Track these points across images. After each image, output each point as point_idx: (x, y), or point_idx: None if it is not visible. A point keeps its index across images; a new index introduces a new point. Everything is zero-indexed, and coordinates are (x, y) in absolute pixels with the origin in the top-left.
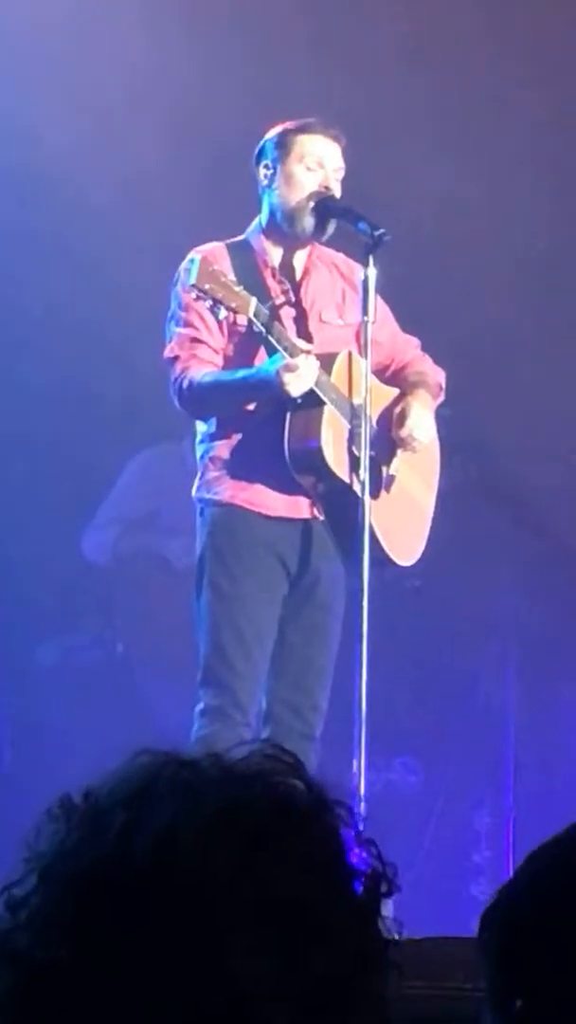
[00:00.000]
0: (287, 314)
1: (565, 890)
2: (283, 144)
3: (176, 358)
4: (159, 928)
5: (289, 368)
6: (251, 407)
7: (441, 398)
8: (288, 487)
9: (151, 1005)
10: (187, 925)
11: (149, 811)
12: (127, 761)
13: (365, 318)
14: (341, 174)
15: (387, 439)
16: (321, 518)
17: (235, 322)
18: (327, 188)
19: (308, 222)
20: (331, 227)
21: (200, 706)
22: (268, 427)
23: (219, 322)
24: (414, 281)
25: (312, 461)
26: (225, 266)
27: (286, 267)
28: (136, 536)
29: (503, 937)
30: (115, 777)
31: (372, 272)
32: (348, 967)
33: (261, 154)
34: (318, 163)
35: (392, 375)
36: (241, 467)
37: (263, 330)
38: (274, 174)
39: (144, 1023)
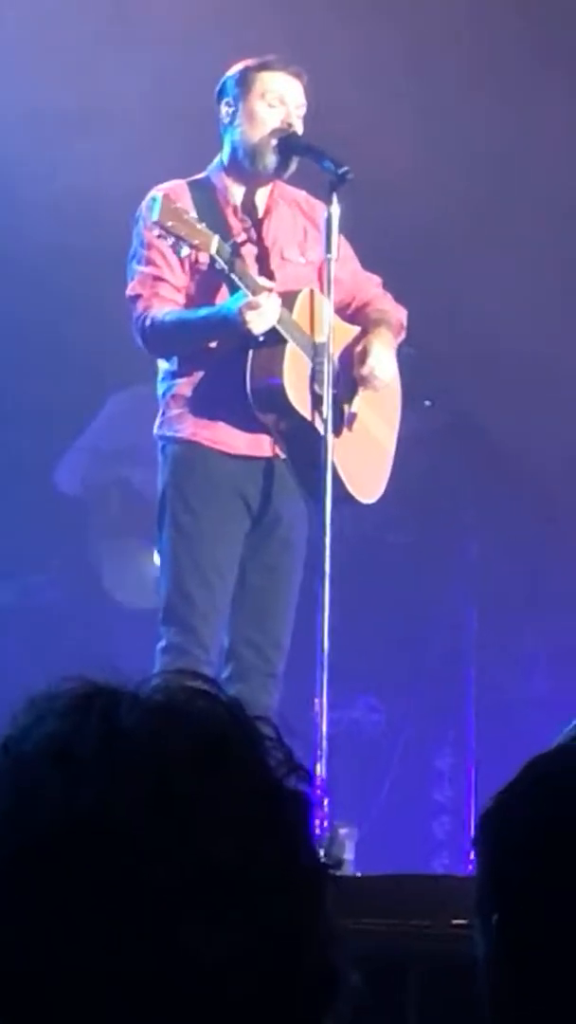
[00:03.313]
0: (249, 252)
1: (553, 804)
2: (244, 81)
3: (138, 296)
4: (105, 908)
5: (251, 306)
6: (213, 345)
7: (402, 336)
8: (250, 425)
9: (104, 990)
10: (136, 903)
11: (78, 784)
12: (44, 702)
13: (328, 256)
14: (303, 111)
15: (349, 377)
16: (283, 456)
17: (197, 260)
18: (289, 125)
19: (270, 159)
20: (293, 164)
21: (162, 644)
22: (230, 365)
23: (181, 260)
24: (377, 219)
25: (274, 399)
26: (187, 204)
27: (248, 205)
28: (109, 469)
29: (490, 846)
30: (36, 726)
31: (335, 210)
32: (296, 915)
33: (222, 91)
34: (279, 100)
35: (353, 313)
36: (203, 405)
37: (225, 268)
38: (235, 111)
39: (99, 1004)
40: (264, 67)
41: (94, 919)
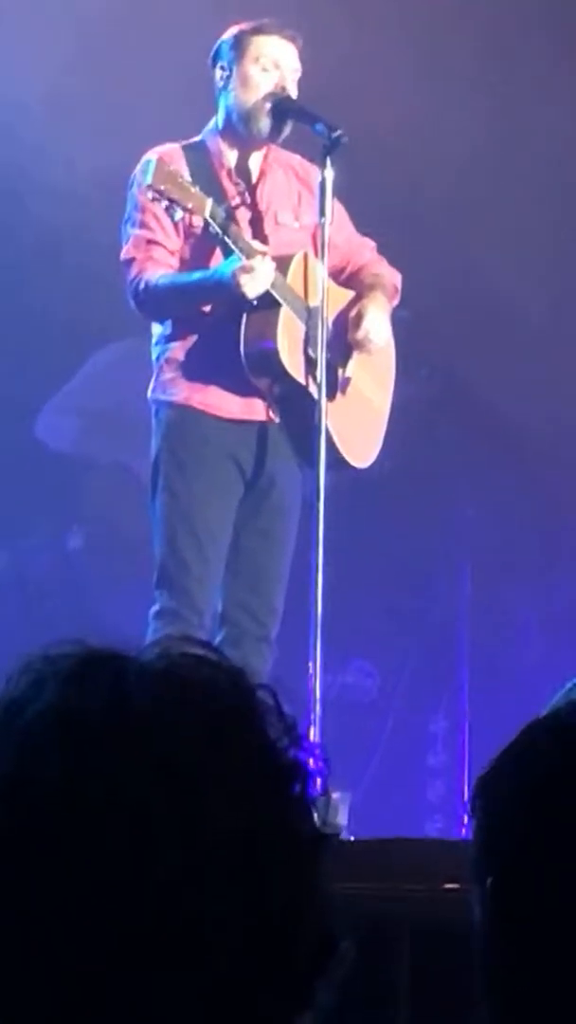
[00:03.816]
0: (243, 216)
1: (547, 769)
2: (238, 45)
3: (132, 260)
4: (96, 880)
5: (245, 269)
6: (207, 309)
7: (396, 300)
8: (244, 389)
9: (98, 965)
10: (139, 867)
11: (86, 760)
12: (43, 666)
13: (322, 220)
14: (298, 75)
15: (343, 341)
16: (277, 420)
17: (191, 224)
18: (283, 89)
19: (264, 123)
20: (287, 128)
21: (155, 608)
22: (224, 329)
23: (175, 224)
24: (372, 183)
25: (268, 363)
26: (181, 167)
27: (242, 169)
28: (98, 431)
29: (485, 811)
30: (37, 691)
31: (329, 174)
32: (296, 883)
33: (217, 55)
34: (274, 63)
35: (348, 277)
36: (197, 369)
37: (219, 231)
38: (230, 75)
39: (99, 976)
40: (258, 31)
41: (96, 883)
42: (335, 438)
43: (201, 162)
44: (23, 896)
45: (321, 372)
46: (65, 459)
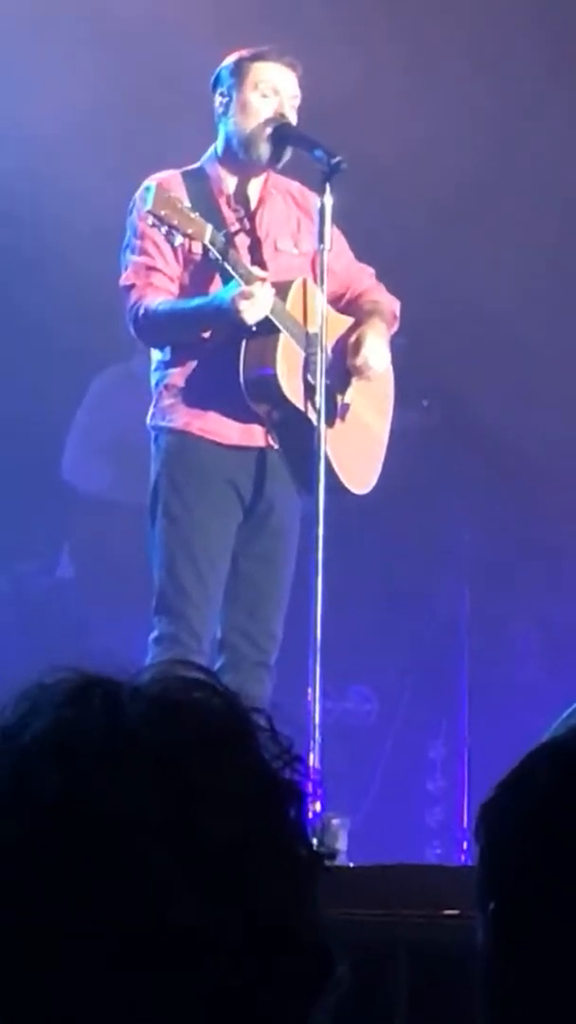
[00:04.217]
0: (242, 242)
1: (545, 796)
2: (238, 72)
3: (132, 286)
4: (96, 888)
5: (244, 295)
6: (206, 335)
7: (395, 327)
8: (243, 415)
9: (97, 970)
10: (128, 885)
11: (84, 777)
12: (39, 693)
13: (321, 246)
14: (297, 101)
15: (342, 368)
16: (276, 446)
17: (191, 250)
18: (282, 115)
19: (264, 149)
20: (287, 154)
21: (155, 634)
22: (223, 355)
23: (175, 250)
24: (372, 209)
25: (267, 389)
26: (180, 193)
27: (241, 195)
28: (105, 466)
29: (488, 834)
30: (33, 717)
31: (328, 200)
32: (289, 902)
33: (217, 82)
34: (273, 90)
35: (347, 304)
36: (196, 395)
37: (219, 257)
38: (229, 102)
39: (98, 979)
40: (258, 57)
41: (95, 891)
42: (334, 464)
43: (200, 188)
44: (23, 905)
45: (320, 398)
46: (65, 484)
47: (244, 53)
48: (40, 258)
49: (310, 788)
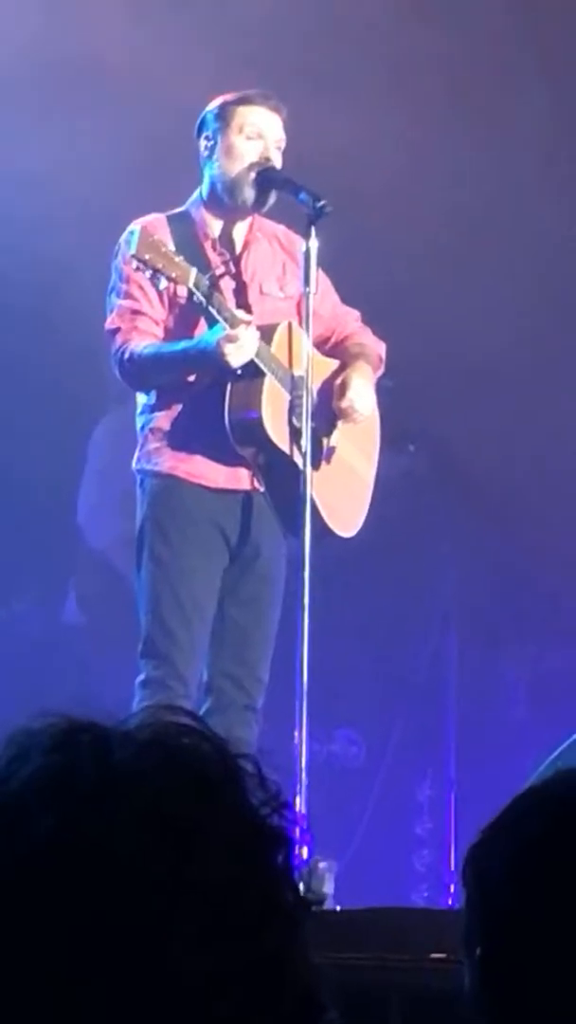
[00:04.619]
0: (227, 285)
1: (532, 841)
2: (223, 115)
3: (117, 330)
4: (94, 933)
5: (230, 339)
6: (191, 378)
7: (381, 370)
8: (229, 459)
9: (93, 1016)
10: (126, 930)
11: (76, 820)
12: (25, 739)
13: (307, 289)
14: (282, 145)
15: (327, 411)
16: (262, 490)
17: (176, 294)
18: (267, 159)
19: (249, 193)
20: (272, 198)
21: (141, 677)
22: (208, 398)
23: (159, 293)
24: (356, 253)
25: (252, 432)
26: (165, 237)
27: (226, 239)
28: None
29: (475, 880)
30: (21, 763)
31: (314, 244)
32: (279, 941)
33: (202, 126)
34: (258, 134)
35: (332, 347)
36: (181, 438)
37: (203, 300)
38: (214, 145)
39: (87, 1019)
40: (243, 101)
41: (86, 932)
42: (320, 507)
43: (185, 232)
44: (18, 952)
45: (306, 441)
46: (56, 525)
47: (229, 97)
48: (41, 305)
49: (297, 834)
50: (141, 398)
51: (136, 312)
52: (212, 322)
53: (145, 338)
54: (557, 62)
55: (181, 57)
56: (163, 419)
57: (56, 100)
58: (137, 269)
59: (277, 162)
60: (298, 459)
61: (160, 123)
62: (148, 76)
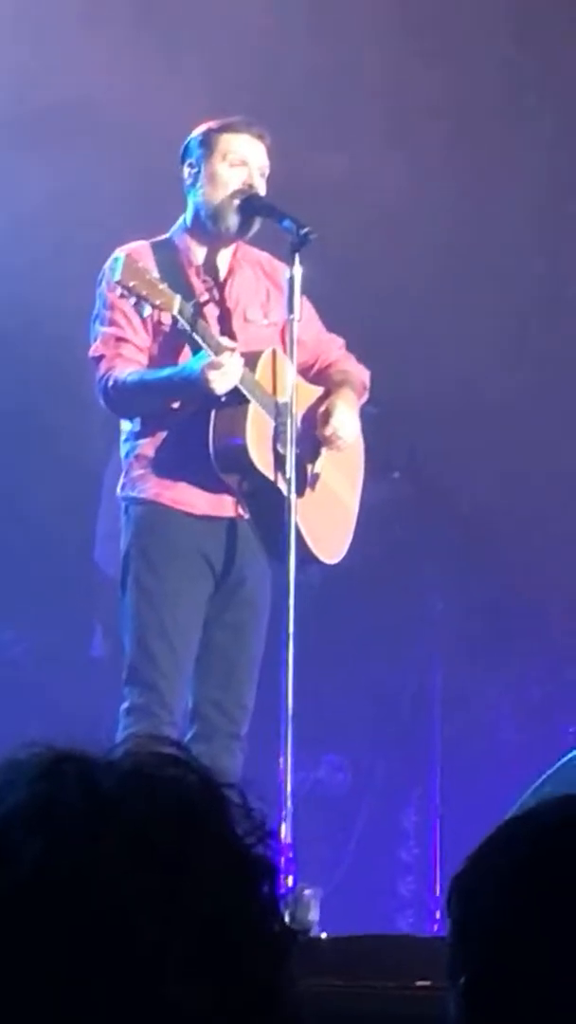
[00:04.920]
0: (211, 313)
1: (519, 870)
2: (206, 143)
3: (101, 357)
4: (88, 964)
5: (214, 366)
6: (176, 405)
7: (365, 397)
8: (213, 485)
9: None
10: (111, 959)
11: (62, 848)
12: (9, 770)
13: (291, 316)
14: (266, 172)
15: (312, 437)
16: (246, 516)
17: (160, 321)
18: (251, 186)
19: (232, 220)
20: (256, 225)
21: (125, 705)
22: (193, 425)
23: (144, 320)
24: (346, 282)
25: (237, 459)
26: (150, 264)
27: (210, 266)
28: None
29: (460, 907)
30: (6, 793)
31: (298, 271)
32: (264, 979)
33: (185, 153)
34: (241, 161)
35: (316, 374)
36: (166, 465)
37: (187, 327)
38: (198, 173)
39: None
40: (226, 128)
41: (72, 961)
42: (304, 534)
43: (169, 259)
44: (6, 979)
45: (290, 468)
46: (41, 554)
47: (212, 124)
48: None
49: (282, 864)
50: (125, 425)
51: (120, 339)
52: (196, 349)
53: (129, 365)
54: (559, 98)
55: (176, 97)
56: (147, 446)
57: (48, 140)
58: (121, 296)
59: (261, 189)
60: (282, 486)
61: (154, 161)
62: (142, 116)
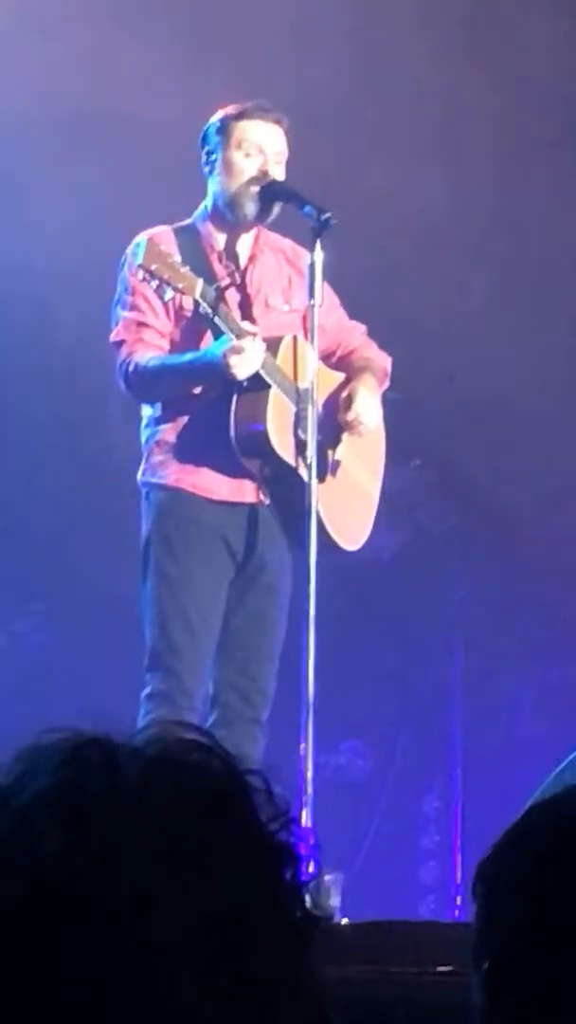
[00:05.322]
0: (232, 298)
1: (541, 856)
2: (223, 130)
3: (122, 342)
4: (102, 960)
5: (235, 351)
6: (197, 390)
7: (387, 384)
8: (234, 471)
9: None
10: (133, 947)
11: (85, 836)
12: (34, 754)
13: (312, 302)
14: (283, 157)
15: (333, 423)
16: (267, 502)
17: (181, 306)
18: (266, 173)
19: (250, 208)
20: (276, 210)
21: (147, 691)
22: (214, 411)
23: (165, 305)
24: (362, 267)
25: (258, 444)
26: (172, 248)
27: (231, 252)
28: None
29: (485, 893)
30: (29, 779)
31: (319, 256)
32: (287, 967)
33: (204, 140)
34: (257, 148)
35: (338, 361)
36: (187, 451)
37: (209, 312)
38: (215, 160)
39: None
40: (242, 115)
41: (93, 950)
42: (325, 520)
43: (191, 244)
44: (22, 968)
45: (311, 454)
46: (62, 542)
47: (230, 110)
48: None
49: (305, 850)
50: (146, 410)
51: (141, 324)
52: (218, 334)
53: (150, 350)
54: None
55: (204, 106)
56: (168, 431)
57: (68, 149)
58: (143, 280)
59: (278, 175)
60: (303, 472)
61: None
62: (169, 127)
